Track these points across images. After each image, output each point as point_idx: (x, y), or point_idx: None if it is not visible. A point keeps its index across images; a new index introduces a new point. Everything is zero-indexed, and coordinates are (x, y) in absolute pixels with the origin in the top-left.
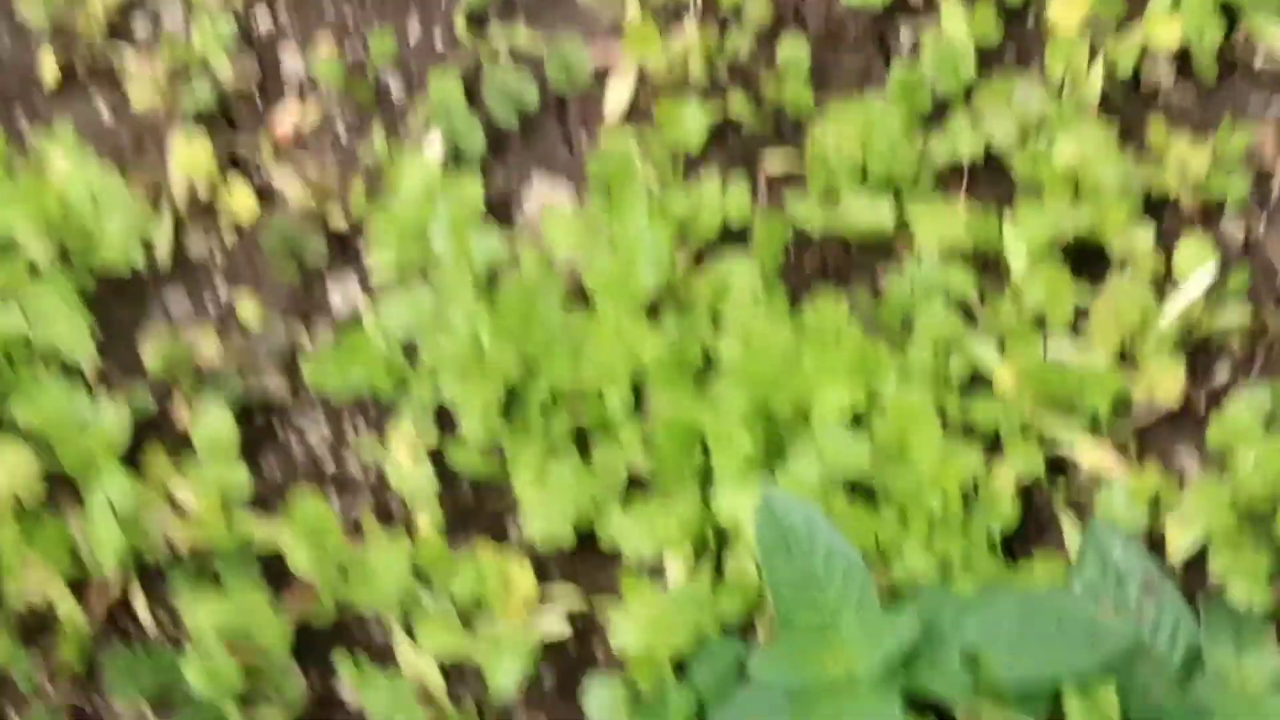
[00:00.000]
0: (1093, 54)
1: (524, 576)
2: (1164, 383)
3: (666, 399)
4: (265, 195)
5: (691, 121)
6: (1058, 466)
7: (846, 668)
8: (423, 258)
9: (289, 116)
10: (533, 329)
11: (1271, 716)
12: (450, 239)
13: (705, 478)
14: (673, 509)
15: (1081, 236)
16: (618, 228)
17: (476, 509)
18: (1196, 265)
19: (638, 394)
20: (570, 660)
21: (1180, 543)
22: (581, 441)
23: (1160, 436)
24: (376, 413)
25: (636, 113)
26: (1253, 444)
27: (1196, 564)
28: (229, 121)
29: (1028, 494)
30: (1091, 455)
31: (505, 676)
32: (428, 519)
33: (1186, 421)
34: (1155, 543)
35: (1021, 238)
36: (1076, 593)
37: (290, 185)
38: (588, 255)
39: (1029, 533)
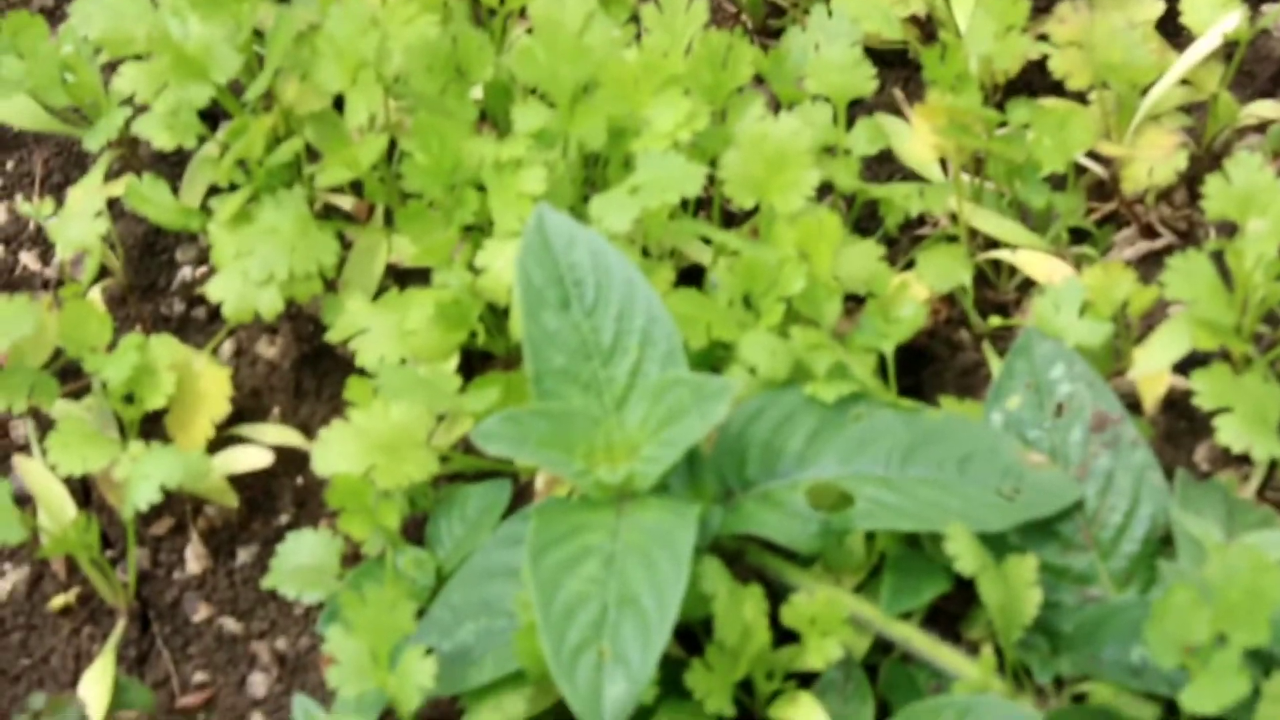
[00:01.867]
0: None
1: (217, 385)
2: (1154, 157)
3: (429, 113)
4: None
5: None
6: (995, 289)
7: (628, 474)
8: None
9: None
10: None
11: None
12: None
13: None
14: (432, 288)
15: None
16: None
17: (184, 308)
18: (1215, 16)
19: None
20: (266, 505)
21: (1150, 362)
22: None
23: (1151, 268)
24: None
25: None
26: (1269, 209)
27: (1182, 414)
28: None
29: (951, 326)
30: (1040, 258)
31: (141, 496)
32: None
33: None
34: (1125, 394)
35: None
36: (994, 425)
37: None
38: None
39: (942, 374)
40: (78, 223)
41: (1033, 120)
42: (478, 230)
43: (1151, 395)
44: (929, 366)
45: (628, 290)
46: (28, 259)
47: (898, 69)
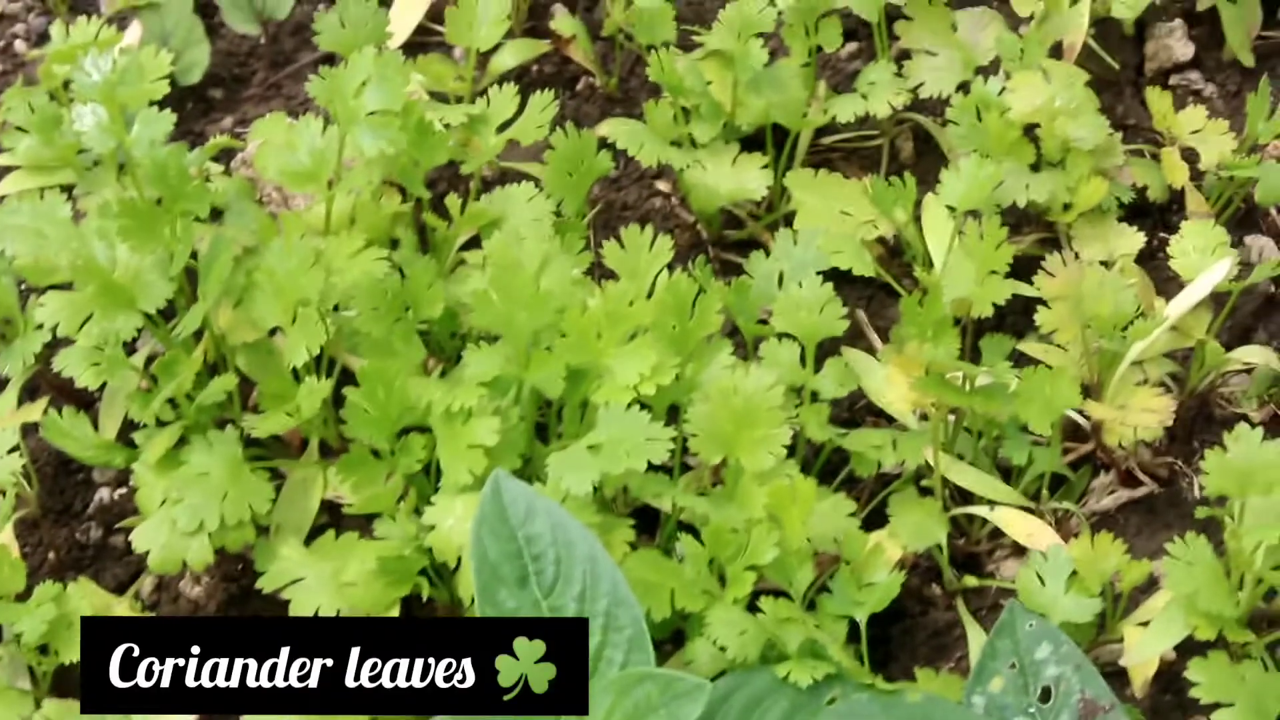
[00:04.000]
0: None
1: None
2: (1140, 419)
3: (375, 355)
4: None
5: (489, 22)
6: (966, 538)
7: None
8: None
9: None
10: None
11: None
12: (107, 131)
13: (427, 490)
14: (374, 541)
15: (1037, 209)
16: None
17: (100, 535)
18: (1204, 262)
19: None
20: None
21: (1144, 651)
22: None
23: (1130, 517)
24: None
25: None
26: (1273, 489)
27: (1169, 687)
28: None
29: (921, 577)
30: (1018, 517)
31: None
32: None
33: (1167, 503)
34: (1109, 662)
35: (945, 200)
36: (976, 709)
37: None
38: (289, 165)
39: (914, 633)
40: None
41: (1021, 380)
42: (421, 475)
43: (1141, 677)
44: (899, 623)
45: (590, 568)
46: None
47: (859, 287)
